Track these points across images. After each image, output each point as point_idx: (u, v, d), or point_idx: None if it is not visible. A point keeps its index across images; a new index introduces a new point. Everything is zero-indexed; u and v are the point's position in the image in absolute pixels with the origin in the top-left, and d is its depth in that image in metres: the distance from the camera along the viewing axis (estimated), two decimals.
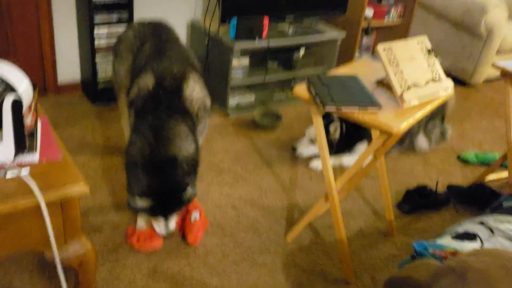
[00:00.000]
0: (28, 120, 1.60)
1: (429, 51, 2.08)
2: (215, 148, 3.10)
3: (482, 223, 1.69)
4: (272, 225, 2.48)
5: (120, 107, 2.73)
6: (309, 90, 1.93)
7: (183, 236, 2.32)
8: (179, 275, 2.11)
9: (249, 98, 3.66)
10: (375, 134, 2.33)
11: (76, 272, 1.58)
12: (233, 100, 3.58)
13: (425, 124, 3.30)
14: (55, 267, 1.48)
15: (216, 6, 3.45)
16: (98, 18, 3.15)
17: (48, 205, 1.41)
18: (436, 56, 2.10)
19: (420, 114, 1.87)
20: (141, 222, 2.30)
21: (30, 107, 1.62)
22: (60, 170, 1.51)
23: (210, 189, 2.70)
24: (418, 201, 2.67)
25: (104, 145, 2.99)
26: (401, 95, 1.86)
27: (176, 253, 2.23)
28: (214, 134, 3.26)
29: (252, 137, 3.29)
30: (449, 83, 2.07)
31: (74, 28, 3.34)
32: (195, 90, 2.07)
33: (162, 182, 1.93)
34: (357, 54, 4.49)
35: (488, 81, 4.78)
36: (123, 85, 2.50)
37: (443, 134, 3.38)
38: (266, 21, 3.38)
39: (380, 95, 1.94)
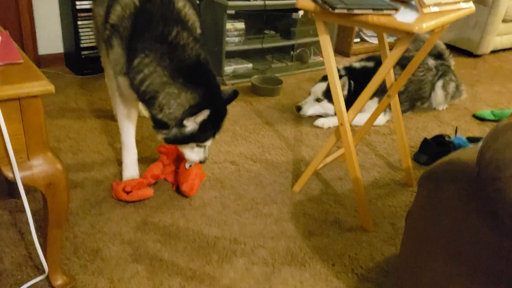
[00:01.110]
0: None
1: None
2: None
3: None
4: (277, 178, 2.21)
5: (103, 61, 2.48)
6: (314, 0, 1.69)
7: (177, 190, 2.05)
8: (173, 226, 1.84)
9: (246, 66, 3.41)
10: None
11: (44, 197, 1.31)
12: (229, 68, 3.33)
13: (442, 76, 3.06)
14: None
15: None
16: None
17: (3, 105, 1.15)
18: None
19: (441, 21, 1.62)
20: (128, 172, 2.03)
21: None
22: (20, 70, 1.24)
23: None
24: (436, 150, 2.41)
25: (88, 109, 2.72)
26: None
27: (168, 206, 1.96)
28: None
29: (251, 101, 3.03)
30: None
31: None
32: (186, 6, 1.82)
33: (205, 86, 1.70)
34: (357, 27, 4.29)
35: (495, 51, 4.57)
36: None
37: (458, 88, 3.13)
38: None
39: None
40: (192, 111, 1.66)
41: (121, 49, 1.76)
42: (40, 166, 1.27)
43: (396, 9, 1.58)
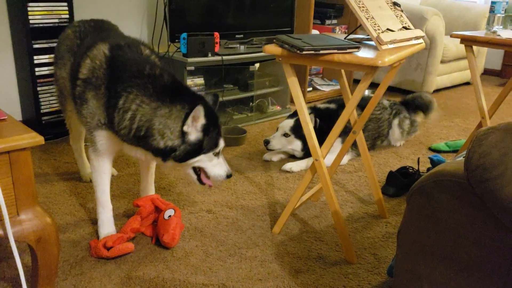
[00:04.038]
0: None
1: (394, 4, 2.01)
2: None
3: None
4: (255, 222, 2.23)
5: (68, 123, 2.48)
6: (280, 45, 1.79)
7: (157, 243, 2.02)
8: (158, 278, 1.80)
9: None
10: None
11: (34, 253, 1.27)
12: None
13: (396, 115, 3.23)
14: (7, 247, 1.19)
15: (163, 25, 3.35)
16: (37, 44, 2.94)
17: None
18: (401, 10, 2.04)
19: (400, 55, 1.75)
20: (105, 230, 1.99)
21: None
22: (6, 126, 1.25)
23: (180, 199, 2.42)
24: (402, 181, 2.51)
25: (54, 173, 2.67)
26: (378, 36, 1.76)
27: (150, 259, 1.92)
28: None
29: None
30: (421, 32, 1.99)
31: (10, 58, 3.09)
32: (153, 55, 1.88)
33: (189, 94, 1.76)
34: (308, 77, 4.49)
35: (437, 90, 4.88)
36: (68, 93, 2.26)
37: (412, 124, 3.31)
38: (217, 36, 3.30)
39: None
40: (187, 115, 1.68)
41: (97, 101, 1.78)
42: (30, 220, 1.25)
43: (358, 48, 1.70)
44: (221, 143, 1.83)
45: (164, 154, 1.74)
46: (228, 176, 1.89)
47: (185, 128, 1.69)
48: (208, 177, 1.88)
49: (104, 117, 1.77)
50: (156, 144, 1.71)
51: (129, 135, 1.74)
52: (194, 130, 1.71)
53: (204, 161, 1.82)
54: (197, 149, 1.75)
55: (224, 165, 1.88)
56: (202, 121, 1.71)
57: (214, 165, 1.85)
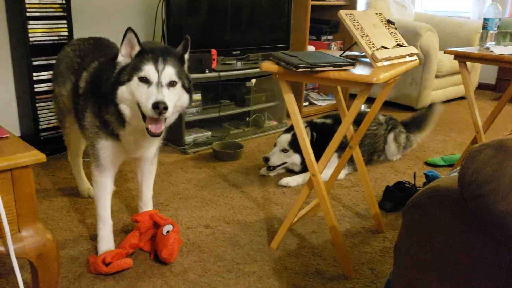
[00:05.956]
0: None
1: (388, 22, 2.06)
2: (177, 179, 2.87)
3: None
4: (253, 237, 2.24)
5: (67, 139, 2.49)
6: (277, 63, 1.82)
7: (155, 258, 2.03)
8: None
9: (205, 134, 3.50)
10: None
11: (34, 269, 1.28)
12: (189, 137, 3.40)
13: (392, 130, 3.27)
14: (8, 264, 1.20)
15: (161, 42, 3.39)
16: (37, 61, 2.96)
17: None
18: (395, 28, 2.08)
19: (394, 72, 1.79)
20: (105, 245, 2.00)
21: None
22: (9, 144, 1.27)
23: (178, 214, 2.44)
24: (399, 196, 2.53)
25: (53, 189, 2.68)
26: (373, 53, 1.79)
27: (149, 275, 1.93)
28: (173, 168, 3.04)
29: (215, 167, 3.09)
30: (415, 49, 2.03)
31: (10, 74, 3.12)
32: None
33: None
34: (304, 92, 4.53)
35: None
36: (67, 110, 2.29)
37: (408, 138, 3.34)
38: (214, 53, 3.33)
39: None
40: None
41: (93, 110, 1.82)
42: (31, 237, 1.26)
43: (354, 65, 1.73)
44: (148, 67, 1.62)
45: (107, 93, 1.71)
46: (155, 105, 1.56)
47: (118, 59, 1.69)
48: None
49: (100, 120, 1.82)
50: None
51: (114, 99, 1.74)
52: (124, 57, 1.69)
53: (131, 91, 1.65)
54: (117, 74, 1.67)
55: (154, 94, 1.59)
56: (136, 45, 1.68)
57: (142, 94, 1.62)
